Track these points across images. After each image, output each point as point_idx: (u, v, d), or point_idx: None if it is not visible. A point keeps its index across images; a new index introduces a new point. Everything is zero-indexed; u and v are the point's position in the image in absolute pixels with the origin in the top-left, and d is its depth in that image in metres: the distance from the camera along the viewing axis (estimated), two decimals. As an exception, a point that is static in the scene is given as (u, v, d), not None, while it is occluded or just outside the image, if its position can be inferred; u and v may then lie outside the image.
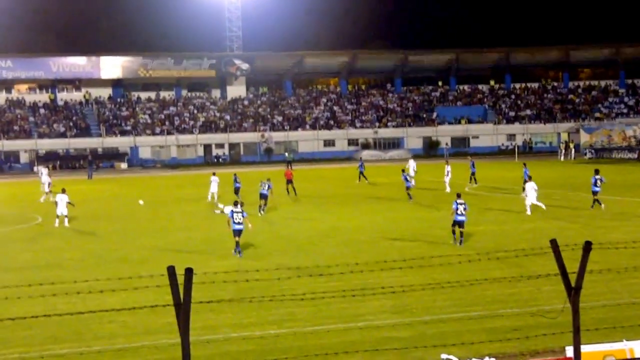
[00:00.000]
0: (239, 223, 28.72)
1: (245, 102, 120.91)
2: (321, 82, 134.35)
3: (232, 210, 29.11)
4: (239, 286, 20.94)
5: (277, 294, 20.33)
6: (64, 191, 41.82)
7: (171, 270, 9.74)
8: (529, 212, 38.98)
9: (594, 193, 40.42)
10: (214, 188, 50.49)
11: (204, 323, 18.64)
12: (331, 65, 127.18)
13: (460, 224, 30.04)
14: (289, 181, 54.10)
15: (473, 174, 58.05)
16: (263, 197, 43.33)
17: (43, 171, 63.62)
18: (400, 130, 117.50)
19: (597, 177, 40.40)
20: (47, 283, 21.90)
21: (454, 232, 30.34)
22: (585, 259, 10.66)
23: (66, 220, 41.02)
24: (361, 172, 64.06)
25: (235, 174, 51.71)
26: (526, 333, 16.68)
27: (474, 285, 19.07)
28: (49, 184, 55.22)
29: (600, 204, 39.92)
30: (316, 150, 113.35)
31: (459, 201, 30.33)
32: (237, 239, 28.78)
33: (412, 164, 61.64)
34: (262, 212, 42.71)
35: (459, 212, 29.96)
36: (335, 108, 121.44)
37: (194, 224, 39.88)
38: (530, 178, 41.12)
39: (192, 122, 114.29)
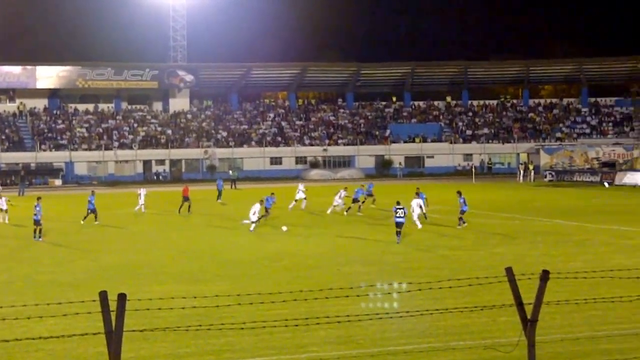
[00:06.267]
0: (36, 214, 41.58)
1: (189, 116, 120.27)
2: (269, 95, 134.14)
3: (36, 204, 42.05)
4: (176, 313, 20.72)
5: (216, 322, 20.06)
6: None
7: (103, 296, 9.59)
8: (419, 226, 43.10)
9: (463, 212, 44.53)
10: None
11: (136, 353, 18.39)
12: (280, 78, 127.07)
13: (398, 225, 38.09)
14: (186, 198, 55.32)
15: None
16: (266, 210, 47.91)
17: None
18: (352, 148, 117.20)
19: (463, 197, 44.67)
20: (-31, 308, 21.45)
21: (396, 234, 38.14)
22: (542, 289, 10.67)
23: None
24: (219, 192, 66.77)
25: (92, 191, 52.02)
26: (479, 367, 16.66)
27: (425, 316, 18.99)
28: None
29: (463, 223, 44.38)
30: (262, 168, 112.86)
31: (397, 207, 38.48)
32: (35, 227, 41.59)
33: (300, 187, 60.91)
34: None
35: (397, 215, 38.11)
36: (283, 123, 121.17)
37: (130, 246, 39.44)
38: (417, 195, 46.14)
39: (131, 137, 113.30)
